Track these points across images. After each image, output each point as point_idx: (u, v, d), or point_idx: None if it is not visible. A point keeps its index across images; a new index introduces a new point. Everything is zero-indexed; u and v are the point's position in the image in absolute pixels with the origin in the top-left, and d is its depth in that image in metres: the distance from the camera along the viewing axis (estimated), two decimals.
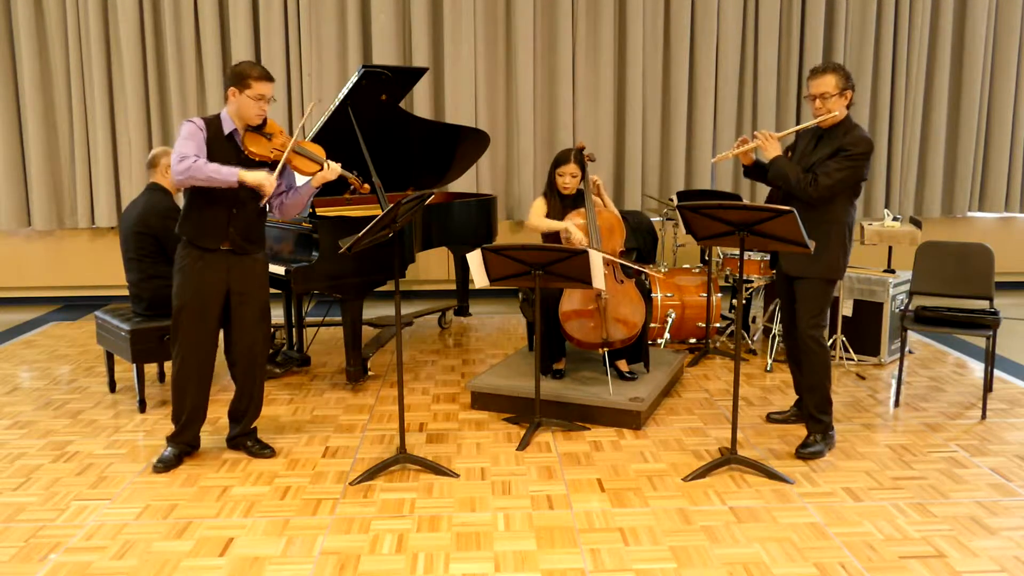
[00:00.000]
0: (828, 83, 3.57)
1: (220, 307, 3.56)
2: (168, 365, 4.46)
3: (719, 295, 5.35)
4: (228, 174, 3.31)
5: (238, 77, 3.38)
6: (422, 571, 2.79)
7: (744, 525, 3.07)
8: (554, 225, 4.32)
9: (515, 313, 6.64)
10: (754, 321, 5.84)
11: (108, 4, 6.54)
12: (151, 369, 4.91)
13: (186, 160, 3.27)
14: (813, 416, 3.76)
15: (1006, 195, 7.36)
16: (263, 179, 3.37)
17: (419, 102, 6.67)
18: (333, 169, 3.56)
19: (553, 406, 4.10)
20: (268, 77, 3.41)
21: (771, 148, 3.67)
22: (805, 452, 3.73)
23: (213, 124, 3.43)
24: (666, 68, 6.92)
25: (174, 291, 3.53)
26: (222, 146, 3.42)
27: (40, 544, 2.98)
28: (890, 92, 7.04)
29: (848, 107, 3.62)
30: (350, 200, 5.38)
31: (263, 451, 3.73)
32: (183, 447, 3.67)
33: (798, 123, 3.86)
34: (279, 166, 3.46)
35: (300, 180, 3.72)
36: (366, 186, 3.75)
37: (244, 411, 3.74)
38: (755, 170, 3.84)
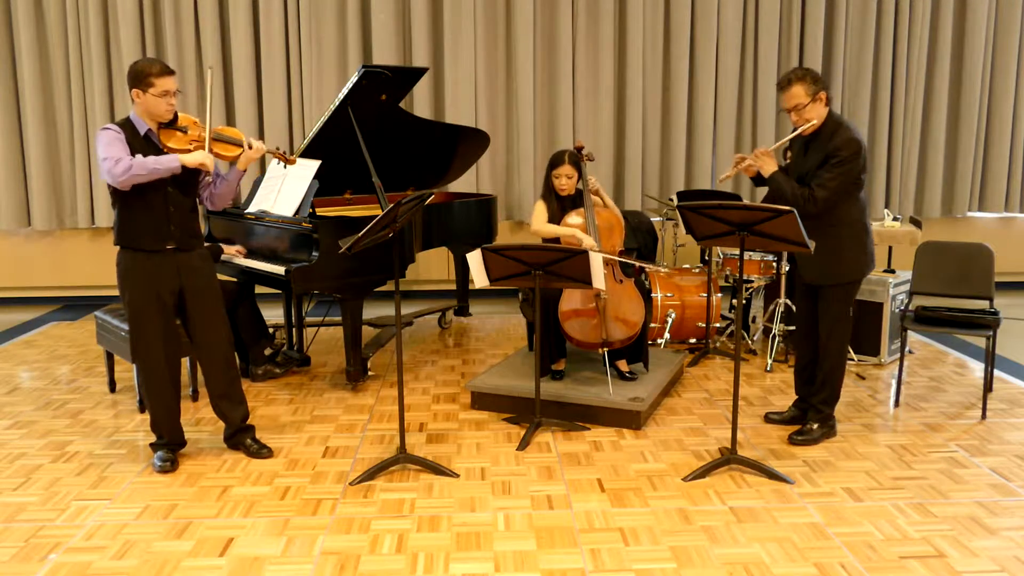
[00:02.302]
0: (797, 94, 3.54)
1: (175, 306, 3.55)
2: None
3: (719, 295, 5.35)
4: (169, 161, 3.30)
5: (138, 78, 3.32)
6: (422, 571, 2.79)
7: (744, 525, 3.07)
8: (560, 231, 4.30)
9: (515, 313, 6.64)
10: (754, 321, 5.84)
11: (108, 5, 6.54)
12: None
13: (123, 161, 3.23)
14: (815, 406, 3.83)
15: (1006, 195, 7.36)
16: (202, 157, 3.35)
17: (419, 102, 6.67)
18: (257, 148, 3.52)
19: (553, 406, 4.10)
20: (168, 71, 3.37)
21: (767, 165, 3.68)
22: (799, 438, 3.78)
23: (128, 127, 3.39)
24: (666, 68, 6.92)
25: (127, 299, 3.49)
26: (141, 148, 3.38)
27: (40, 544, 2.98)
28: (890, 92, 7.04)
29: (827, 104, 3.60)
30: (350, 200, 5.40)
31: (261, 451, 3.73)
32: (171, 447, 3.66)
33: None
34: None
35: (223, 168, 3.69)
36: (292, 158, 3.70)
37: (222, 407, 3.73)
38: (760, 179, 3.84)
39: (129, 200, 3.37)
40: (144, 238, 3.43)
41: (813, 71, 3.59)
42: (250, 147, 3.51)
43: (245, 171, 3.58)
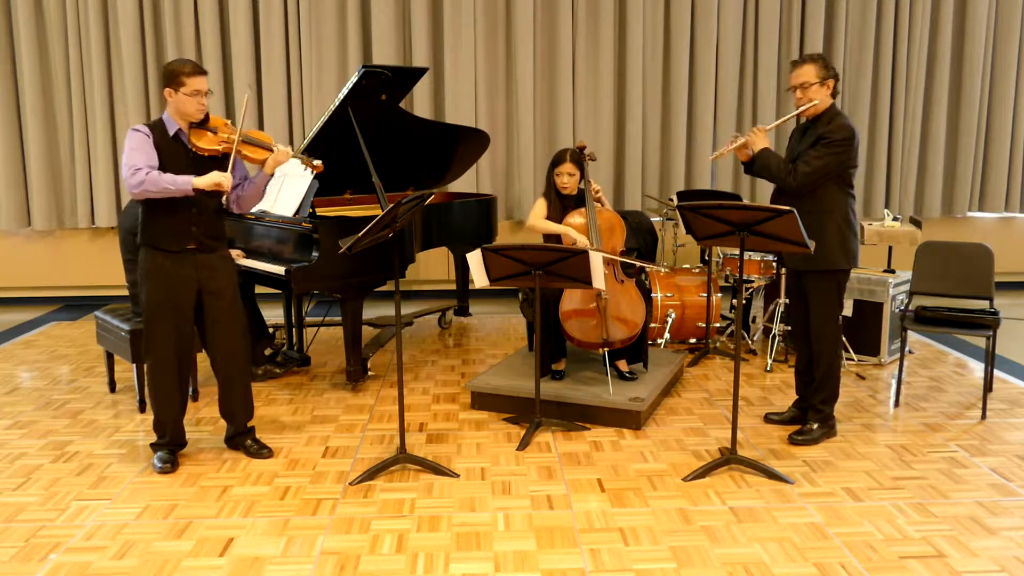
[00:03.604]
0: (807, 73, 3.64)
1: (193, 308, 3.55)
2: None
3: (719, 295, 5.35)
4: (183, 183, 3.31)
5: (171, 77, 3.36)
6: (422, 571, 2.79)
7: (744, 525, 3.07)
8: (553, 228, 4.32)
9: (515, 313, 6.64)
10: (754, 321, 5.84)
11: (108, 4, 6.54)
12: None
13: (139, 173, 3.26)
14: (814, 406, 3.85)
15: (1006, 195, 7.36)
16: (218, 178, 3.35)
17: (419, 102, 6.67)
18: (284, 151, 3.53)
19: (553, 406, 4.10)
20: (201, 71, 3.40)
21: (759, 141, 3.74)
22: (799, 438, 3.79)
23: (158, 128, 3.42)
24: (666, 68, 6.92)
25: (145, 297, 3.50)
26: (170, 147, 3.41)
27: (40, 544, 2.98)
28: (890, 92, 7.04)
29: (833, 95, 3.68)
30: (350, 200, 5.39)
31: (261, 451, 3.73)
32: (172, 447, 3.66)
33: (798, 123, 3.90)
34: (231, 159, 3.44)
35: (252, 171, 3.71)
36: (319, 163, 3.73)
37: (234, 410, 3.73)
38: (751, 166, 3.88)
39: (154, 200, 3.39)
40: (165, 238, 3.45)
41: (828, 60, 3.68)
42: (278, 150, 3.53)
43: (272, 175, 3.59)
